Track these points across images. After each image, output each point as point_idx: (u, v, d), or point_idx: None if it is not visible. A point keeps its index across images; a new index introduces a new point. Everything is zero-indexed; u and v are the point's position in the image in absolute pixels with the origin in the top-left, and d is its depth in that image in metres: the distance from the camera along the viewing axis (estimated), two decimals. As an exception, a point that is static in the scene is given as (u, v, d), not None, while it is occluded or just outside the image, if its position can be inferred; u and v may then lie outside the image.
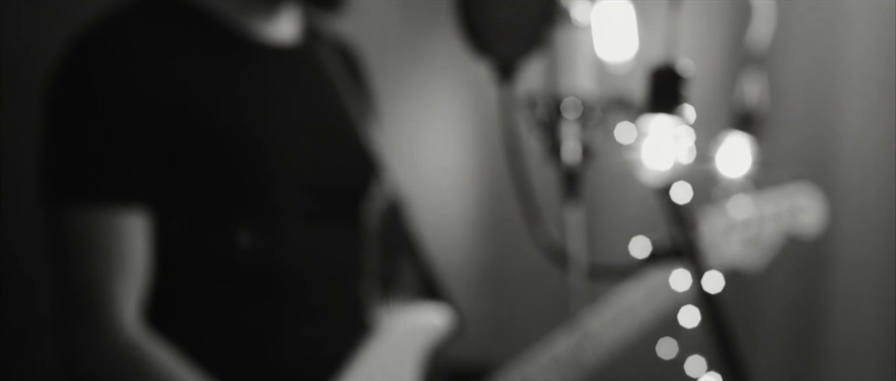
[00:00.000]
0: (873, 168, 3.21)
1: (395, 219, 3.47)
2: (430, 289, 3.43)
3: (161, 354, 1.91)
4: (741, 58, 3.12)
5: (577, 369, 2.28)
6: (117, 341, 1.90)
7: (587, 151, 1.69)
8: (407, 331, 2.13)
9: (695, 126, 1.73)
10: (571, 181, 1.70)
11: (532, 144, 1.72)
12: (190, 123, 1.94)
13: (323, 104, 2.09)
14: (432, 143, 3.48)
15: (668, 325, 2.47)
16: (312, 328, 2.03)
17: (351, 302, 2.11)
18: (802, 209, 2.54)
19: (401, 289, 3.31)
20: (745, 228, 2.43)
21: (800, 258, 3.25)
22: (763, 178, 2.39)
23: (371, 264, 2.18)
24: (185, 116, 1.94)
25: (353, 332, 2.09)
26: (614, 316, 2.31)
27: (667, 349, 2.51)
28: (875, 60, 3.19)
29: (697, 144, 1.78)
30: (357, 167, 2.11)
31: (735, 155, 2.26)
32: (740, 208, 2.41)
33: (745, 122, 2.31)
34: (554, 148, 1.69)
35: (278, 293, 2.00)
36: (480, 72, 1.72)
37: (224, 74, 1.99)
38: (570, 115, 1.69)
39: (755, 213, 2.45)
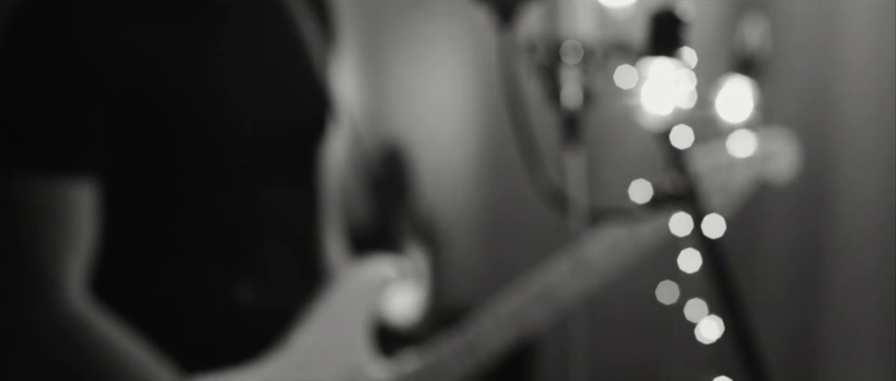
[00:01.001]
0: (874, 111, 3.20)
1: (394, 165, 3.48)
2: (425, 234, 3.44)
3: (106, 327, 1.89)
4: (742, 1, 3.12)
5: (535, 318, 2.25)
6: (62, 313, 1.87)
7: (588, 96, 1.69)
8: (360, 284, 2.11)
9: (695, 70, 1.73)
10: (572, 126, 1.70)
11: (532, 88, 1.72)
12: (140, 88, 1.89)
13: (279, 57, 2.04)
14: (432, 88, 3.47)
15: (670, 269, 2.48)
16: (269, 285, 2.02)
17: (306, 257, 2.10)
18: (775, 155, 2.46)
19: (396, 235, 3.32)
20: (714, 174, 2.35)
21: (800, 202, 3.25)
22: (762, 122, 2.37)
23: (327, 216, 2.17)
24: (135, 80, 1.89)
25: (308, 287, 2.09)
26: (575, 268, 2.27)
27: (667, 293, 2.52)
28: (876, 2, 3.18)
29: (698, 88, 1.78)
30: (312, 107, 2.07)
31: (736, 100, 2.25)
32: (710, 154, 2.35)
33: (747, 66, 2.29)
34: (554, 92, 1.69)
35: (234, 252, 1.99)
36: (480, 16, 1.72)
37: (175, 34, 1.93)
38: (570, 59, 1.69)
39: (725, 159, 2.38)
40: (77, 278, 1.89)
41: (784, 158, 2.45)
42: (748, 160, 2.40)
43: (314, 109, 2.08)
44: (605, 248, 2.28)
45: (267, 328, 2.04)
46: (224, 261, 1.99)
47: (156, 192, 1.95)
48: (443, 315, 3.22)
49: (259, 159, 1.99)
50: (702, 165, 2.29)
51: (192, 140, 1.93)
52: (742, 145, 2.39)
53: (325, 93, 2.08)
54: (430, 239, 3.45)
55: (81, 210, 1.88)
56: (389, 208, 3.37)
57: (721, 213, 2.36)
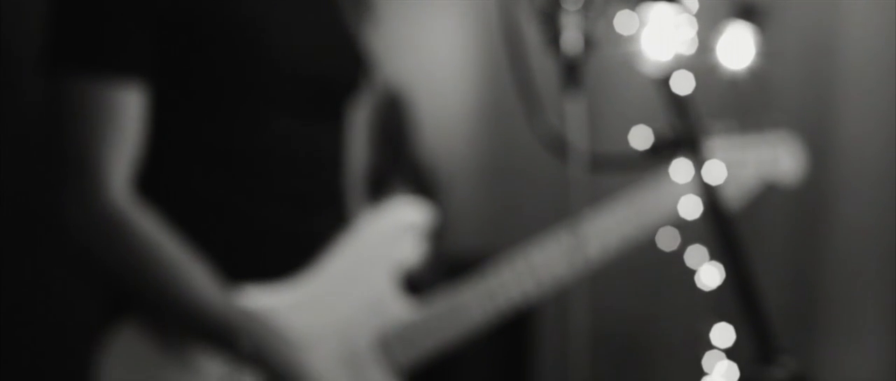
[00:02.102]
0: (876, 57, 3.20)
1: (394, 112, 3.47)
2: (424, 181, 3.45)
3: (148, 223, 1.95)
4: (744, -54, 3.10)
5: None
6: (105, 206, 1.93)
7: (588, 42, 1.69)
8: (385, 227, 2.16)
9: (696, 16, 1.72)
10: (572, 72, 1.69)
11: (532, 34, 1.72)
12: (189, 6, 1.96)
13: (320, 11, 2.10)
14: (433, 35, 3.47)
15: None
16: (293, 217, 2.06)
17: (332, 194, 2.14)
18: (781, 158, 2.49)
19: (396, 181, 3.33)
20: (727, 168, 2.37)
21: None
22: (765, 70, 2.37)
23: (354, 158, 2.20)
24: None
25: (332, 223, 2.13)
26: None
27: (668, 239, 2.52)
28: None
29: (699, 34, 1.77)
30: (348, 63, 2.14)
31: (737, 46, 2.25)
32: (721, 149, 2.36)
33: (748, 12, 2.29)
34: (554, 38, 1.69)
35: (264, 181, 2.05)
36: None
37: None
38: (570, 5, 1.68)
39: (736, 156, 2.40)
40: (122, 177, 1.95)
41: (790, 160, 2.49)
42: (759, 160, 2.43)
43: (351, 64, 2.14)
44: (626, 216, 2.32)
45: (298, 251, 2.09)
46: (257, 182, 2.04)
47: (194, 107, 2.00)
48: (443, 262, 3.22)
49: (296, 90, 2.05)
50: (716, 156, 2.32)
51: (234, 59, 1.99)
52: (755, 146, 2.41)
53: (361, 52, 2.15)
54: (431, 186, 3.45)
55: (129, 111, 1.95)
56: (390, 156, 3.37)
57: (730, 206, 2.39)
